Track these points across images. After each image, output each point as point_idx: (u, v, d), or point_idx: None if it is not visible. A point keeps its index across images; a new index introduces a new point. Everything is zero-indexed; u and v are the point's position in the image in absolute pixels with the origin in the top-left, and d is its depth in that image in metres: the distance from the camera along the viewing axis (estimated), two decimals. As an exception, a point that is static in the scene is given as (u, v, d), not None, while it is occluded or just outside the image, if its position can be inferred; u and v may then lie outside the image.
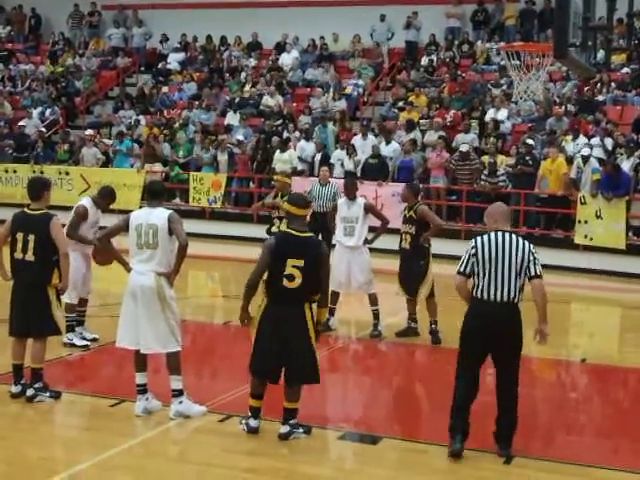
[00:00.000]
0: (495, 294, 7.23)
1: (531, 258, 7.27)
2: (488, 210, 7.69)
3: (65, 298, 10.30)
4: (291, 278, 7.50)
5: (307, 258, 7.52)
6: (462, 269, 7.37)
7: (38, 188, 8.81)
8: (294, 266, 7.49)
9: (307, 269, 7.50)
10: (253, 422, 7.81)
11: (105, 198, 10.57)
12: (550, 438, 8.33)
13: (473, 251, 7.33)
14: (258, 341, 7.71)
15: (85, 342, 10.72)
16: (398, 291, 11.57)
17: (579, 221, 17.81)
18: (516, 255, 7.24)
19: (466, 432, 7.37)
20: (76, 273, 10.37)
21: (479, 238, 7.39)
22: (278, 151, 20.82)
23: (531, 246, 7.36)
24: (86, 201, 10.44)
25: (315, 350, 7.71)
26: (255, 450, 7.55)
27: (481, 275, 7.28)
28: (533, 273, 7.27)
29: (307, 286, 7.55)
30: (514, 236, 7.35)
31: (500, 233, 7.35)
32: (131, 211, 8.47)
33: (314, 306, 7.77)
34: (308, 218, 13.64)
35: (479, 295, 7.31)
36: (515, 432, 7.43)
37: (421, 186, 18.82)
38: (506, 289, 7.22)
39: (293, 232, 7.70)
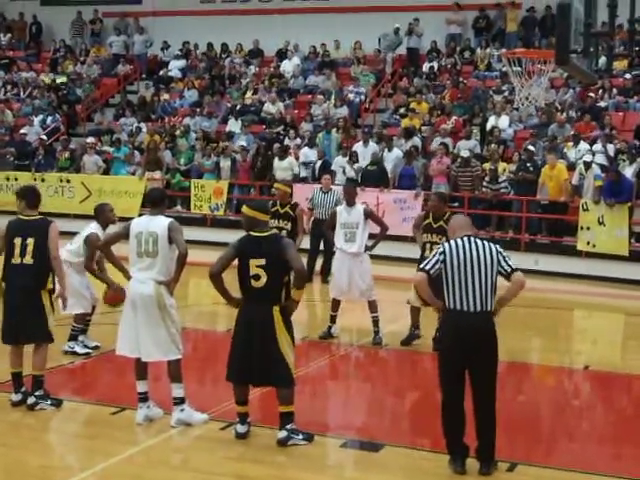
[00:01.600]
0: (468, 304, 7.09)
1: (500, 258, 7.16)
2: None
3: (79, 309, 10.41)
4: (257, 278, 7.66)
5: (267, 256, 7.65)
6: (428, 267, 7.22)
7: (35, 196, 8.88)
8: (257, 266, 7.65)
9: (270, 267, 7.63)
10: (240, 428, 7.88)
11: (99, 216, 10.48)
12: (553, 445, 8.29)
13: (442, 257, 7.19)
14: (232, 346, 7.86)
15: (87, 350, 10.71)
16: (414, 300, 11.14)
17: (581, 228, 17.77)
18: (484, 259, 7.12)
19: (466, 454, 7.27)
20: (82, 283, 10.42)
21: (446, 244, 7.30)
22: (277, 159, 20.77)
23: (498, 247, 7.27)
24: (95, 228, 10.32)
25: (284, 353, 7.68)
26: (257, 458, 7.52)
27: (451, 284, 7.14)
28: (509, 270, 7.16)
29: (274, 285, 7.65)
30: (477, 239, 7.26)
31: (466, 238, 7.25)
32: (132, 218, 8.47)
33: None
34: (309, 224, 13.52)
35: (452, 306, 7.16)
36: (495, 451, 7.26)
37: (422, 193, 18.96)
38: (478, 298, 7.08)
39: (253, 234, 7.84)
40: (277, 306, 7.69)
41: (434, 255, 7.30)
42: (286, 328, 7.74)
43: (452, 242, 7.26)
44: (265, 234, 7.83)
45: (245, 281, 7.72)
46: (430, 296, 7.39)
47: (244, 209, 8.04)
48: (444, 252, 7.22)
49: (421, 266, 7.33)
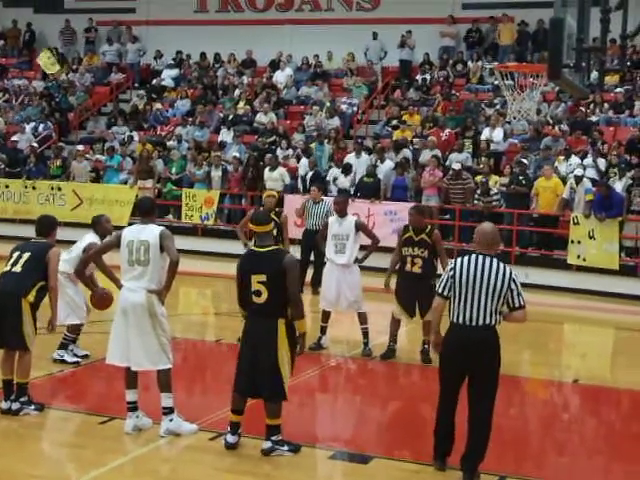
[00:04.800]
0: (470, 317, 7.10)
1: (512, 287, 7.11)
2: (477, 229, 7.65)
3: (74, 320, 10.42)
4: (258, 294, 7.64)
5: (268, 272, 7.62)
6: (441, 290, 7.29)
7: (47, 225, 9.11)
8: (259, 282, 7.63)
9: (271, 283, 7.60)
10: (230, 437, 7.85)
11: (97, 227, 10.47)
12: (542, 459, 8.29)
13: (451, 272, 7.23)
14: (238, 360, 7.86)
15: (76, 359, 10.68)
16: (398, 313, 11.35)
17: (572, 241, 17.81)
18: (495, 279, 7.09)
19: (448, 453, 7.37)
20: (77, 293, 10.41)
21: (459, 259, 7.30)
22: (267, 169, 20.74)
23: (512, 272, 7.21)
24: (93, 237, 10.29)
25: (281, 367, 7.65)
26: (246, 469, 7.50)
27: (456, 298, 7.17)
28: (517, 305, 7.15)
29: (275, 300, 7.62)
30: (494, 260, 7.22)
31: (481, 256, 7.23)
32: (123, 227, 8.47)
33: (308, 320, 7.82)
34: (303, 236, 13.34)
35: (454, 319, 7.20)
36: (479, 463, 7.24)
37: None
38: (482, 312, 7.08)
39: (255, 249, 7.86)
40: (283, 319, 7.65)
41: (445, 273, 7.34)
42: (289, 343, 7.70)
43: (465, 258, 7.24)
44: (267, 250, 7.78)
45: (247, 297, 7.69)
46: (436, 326, 7.40)
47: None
48: (454, 268, 7.24)
49: (438, 291, 7.33)
